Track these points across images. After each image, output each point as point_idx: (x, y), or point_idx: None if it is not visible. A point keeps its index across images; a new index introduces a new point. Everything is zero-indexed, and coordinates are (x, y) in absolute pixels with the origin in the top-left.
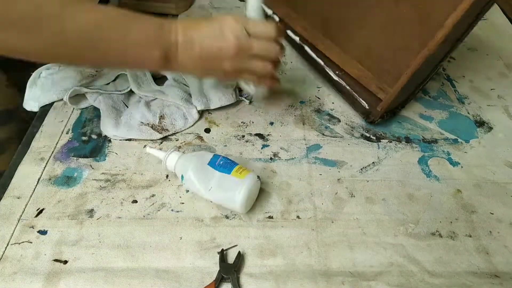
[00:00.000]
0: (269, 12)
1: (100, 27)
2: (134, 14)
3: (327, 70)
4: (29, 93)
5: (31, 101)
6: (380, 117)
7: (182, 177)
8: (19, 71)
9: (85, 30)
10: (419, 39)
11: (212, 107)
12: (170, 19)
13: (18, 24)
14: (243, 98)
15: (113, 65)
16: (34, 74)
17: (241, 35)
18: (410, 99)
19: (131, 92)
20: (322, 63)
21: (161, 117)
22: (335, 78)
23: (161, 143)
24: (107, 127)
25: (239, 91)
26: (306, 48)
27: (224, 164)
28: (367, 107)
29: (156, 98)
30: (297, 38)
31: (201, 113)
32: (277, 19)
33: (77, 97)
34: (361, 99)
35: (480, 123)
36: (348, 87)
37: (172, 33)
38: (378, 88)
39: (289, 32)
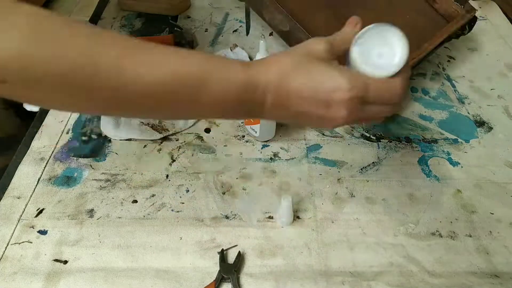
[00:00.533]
0: None
1: (166, 87)
2: (212, 64)
3: None
4: None
5: None
6: None
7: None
8: None
9: (147, 91)
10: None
11: None
12: (258, 68)
13: (70, 78)
14: None
15: (183, 118)
16: None
17: (356, 108)
18: None
19: None
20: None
21: None
22: None
23: (161, 143)
24: (107, 127)
25: None
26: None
27: None
28: None
29: None
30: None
31: None
32: None
33: None
34: None
35: (480, 123)
36: None
37: (259, 95)
38: None
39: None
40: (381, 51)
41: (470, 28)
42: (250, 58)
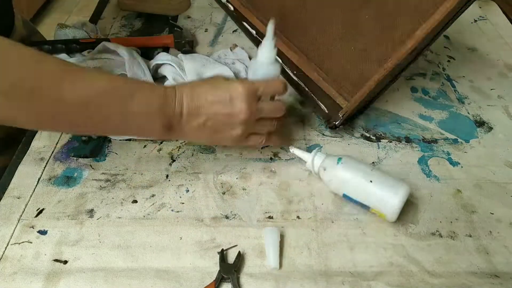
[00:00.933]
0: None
1: (100, 97)
2: (137, 82)
3: (286, 69)
4: None
5: None
6: (342, 123)
7: (339, 160)
8: None
9: (83, 101)
10: (379, 48)
11: None
12: (174, 86)
13: (12, 93)
14: None
15: (113, 133)
16: None
17: (252, 101)
18: (369, 105)
19: None
20: (280, 61)
21: None
22: (294, 78)
23: (161, 143)
24: None
25: None
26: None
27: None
28: (326, 111)
29: None
30: (253, 32)
31: None
32: (231, 7)
33: None
34: (320, 103)
35: (480, 123)
36: (307, 89)
37: (176, 103)
38: (338, 93)
39: (246, 24)
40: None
41: None
42: (250, 58)
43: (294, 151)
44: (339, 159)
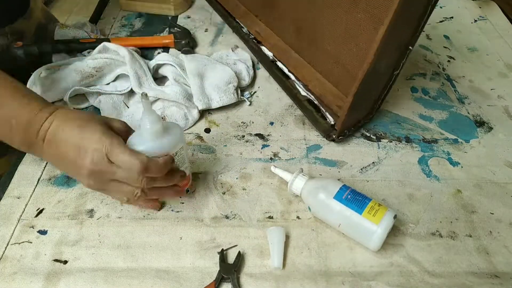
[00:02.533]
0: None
1: None
2: (17, 93)
3: (297, 86)
4: None
5: None
6: (340, 135)
7: (310, 208)
8: (19, 72)
9: None
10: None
11: (213, 107)
12: (53, 109)
13: None
14: (245, 98)
15: None
16: (34, 74)
17: (99, 161)
18: (374, 111)
19: (131, 92)
20: (293, 77)
21: (162, 118)
22: (303, 93)
23: None
24: None
25: (241, 91)
26: (279, 64)
27: (353, 199)
28: (332, 122)
29: (157, 100)
30: (270, 54)
31: (201, 113)
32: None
33: (77, 97)
34: (327, 114)
35: (480, 123)
36: (316, 102)
37: (42, 128)
38: (337, 107)
39: (263, 48)
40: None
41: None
42: (252, 60)
43: (276, 170)
44: (309, 208)
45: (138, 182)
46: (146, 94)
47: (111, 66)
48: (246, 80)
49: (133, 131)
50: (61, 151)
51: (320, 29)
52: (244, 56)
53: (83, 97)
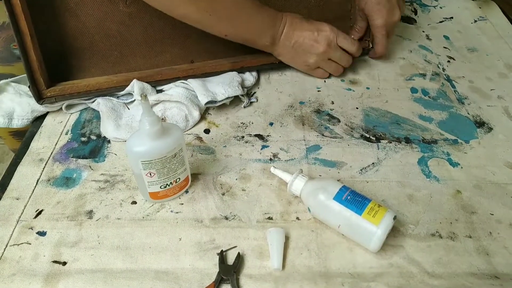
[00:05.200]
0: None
1: (237, 8)
2: (259, 5)
3: None
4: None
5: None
6: None
7: (309, 209)
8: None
9: (228, 7)
10: None
11: (219, 99)
12: (283, 14)
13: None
14: (253, 100)
15: (237, 38)
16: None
17: (332, 43)
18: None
19: (130, 95)
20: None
21: (163, 119)
22: None
23: None
24: (107, 129)
25: (247, 93)
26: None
27: (352, 200)
28: None
29: (159, 103)
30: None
31: (201, 114)
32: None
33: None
34: None
35: (480, 124)
36: None
37: (280, 27)
38: None
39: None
40: None
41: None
42: None
43: (275, 171)
44: (309, 209)
45: (349, 60)
46: (145, 96)
47: None
48: (250, 80)
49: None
50: (297, 40)
51: None
52: None
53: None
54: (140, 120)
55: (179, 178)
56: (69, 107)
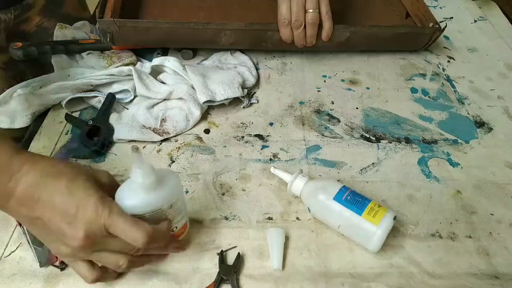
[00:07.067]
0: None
1: None
2: None
3: None
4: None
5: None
6: None
7: (309, 209)
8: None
9: None
10: None
11: (217, 99)
12: (29, 158)
13: None
14: (254, 101)
15: None
16: (6, 94)
17: (96, 233)
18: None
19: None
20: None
21: (163, 120)
22: None
23: (161, 144)
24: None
25: (248, 94)
26: None
27: (353, 200)
28: None
29: (159, 103)
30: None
31: (202, 114)
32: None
33: (73, 102)
34: None
35: (480, 124)
36: None
37: (12, 181)
38: None
39: None
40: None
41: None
42: (253, 61)
43: (275, 171)
44: (309, 209)
45: (132, 251)
46: (137, 148)
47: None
48: (250, 80)
49: (119, 185)
50: (42, 214)
51: None
52: (243, 58)
53: (80, 100)
54: (131, 171)
55: (176, 227)
56: (69, 105)
